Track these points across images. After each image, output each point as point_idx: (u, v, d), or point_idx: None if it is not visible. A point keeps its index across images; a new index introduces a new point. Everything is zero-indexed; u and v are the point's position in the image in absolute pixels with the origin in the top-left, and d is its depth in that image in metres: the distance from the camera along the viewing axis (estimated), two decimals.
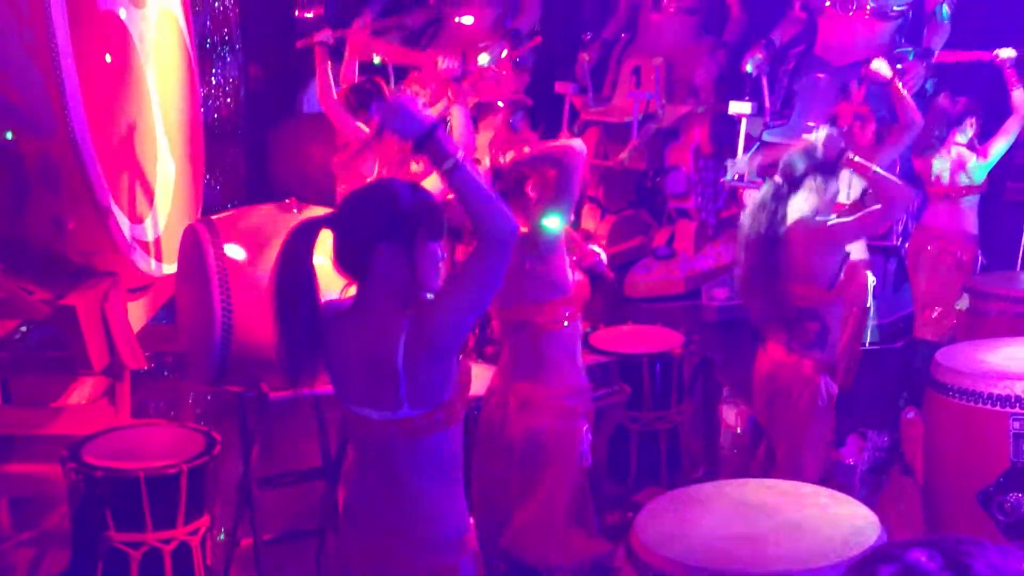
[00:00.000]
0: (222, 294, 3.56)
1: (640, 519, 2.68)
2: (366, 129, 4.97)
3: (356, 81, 5.23)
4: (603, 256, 3.63)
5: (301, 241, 2.34)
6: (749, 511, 2.72)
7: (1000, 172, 6.79)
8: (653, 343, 4.61)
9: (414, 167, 4.47)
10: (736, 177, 6.66)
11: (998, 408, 3.38)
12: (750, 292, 3.78)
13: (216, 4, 7.91)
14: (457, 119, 4.60)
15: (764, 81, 6.84)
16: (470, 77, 7.87)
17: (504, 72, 8.10)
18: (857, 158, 3.73)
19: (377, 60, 7.99)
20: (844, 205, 5.13)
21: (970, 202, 5.71)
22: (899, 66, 6.52)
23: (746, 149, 6.80)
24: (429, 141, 2.21)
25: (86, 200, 4.37)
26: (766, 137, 6.78)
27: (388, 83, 8.04)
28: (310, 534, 3.98)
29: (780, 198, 3.69)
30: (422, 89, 5.54)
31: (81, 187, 4.33)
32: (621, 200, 8.25)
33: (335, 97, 5.09)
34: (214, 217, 3.99)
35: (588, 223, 8.23)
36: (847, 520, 2.64)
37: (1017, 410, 3.37)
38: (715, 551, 2.51)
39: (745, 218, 3.81)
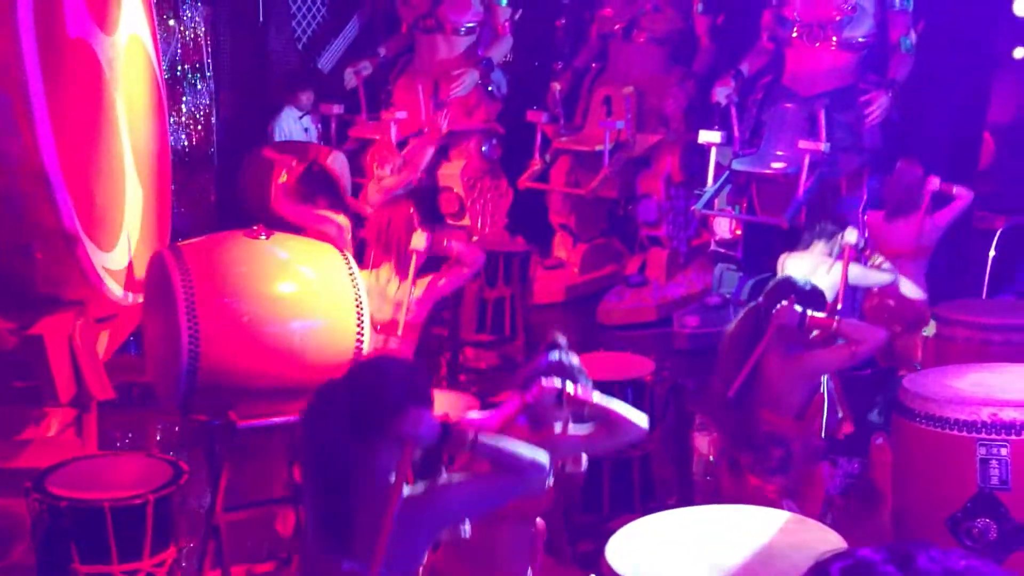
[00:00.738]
0: (189, 321, 3.54)
1: (611, 545, 2.67)
2: (329, 214, 5.03)
3: (299, 171, 5.26)
4: (584, 463, 3.60)
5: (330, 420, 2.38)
6: (719, 537, 2.73)
7: None
8: (624, 370, 4.61)
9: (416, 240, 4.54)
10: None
11: (964, 433, 3.41)
12: (725, 411, 3.80)
13: (187, 32, 7.91)
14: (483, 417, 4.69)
15: (733, 111, 6.92)
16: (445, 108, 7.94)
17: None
18: (819, 314, 3.75)
19: (350, 85, 8.03)
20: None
21: (920, 265, 5.74)
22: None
23: (716, 177, 6.88)
24: (448, 438, 2.40)
25: (55, 229, 4.33)
26: (735, 166, 6.86)
27: (360, 111, 8.09)
28: (281, 562, 3.94)
29: (760, 319, 3.75)
30: (381, 168, 5.43)
31: (50, 216, 4.30)
32: (593, 228, 8.30)
33: (284, 198, 5.11)
34: (181, 244, 3.96)
35: (560, 252, 8.28)
36: (816, 546, 2.65)
37: (983, 435, 3.40)
38: None
39: (726, 337, 3.86)
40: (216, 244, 3.95)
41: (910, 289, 5.62)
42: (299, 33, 8.84)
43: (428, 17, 8.09)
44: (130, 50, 5.51)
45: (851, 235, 5.16)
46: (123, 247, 5.14)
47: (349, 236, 5.06)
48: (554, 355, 3.21)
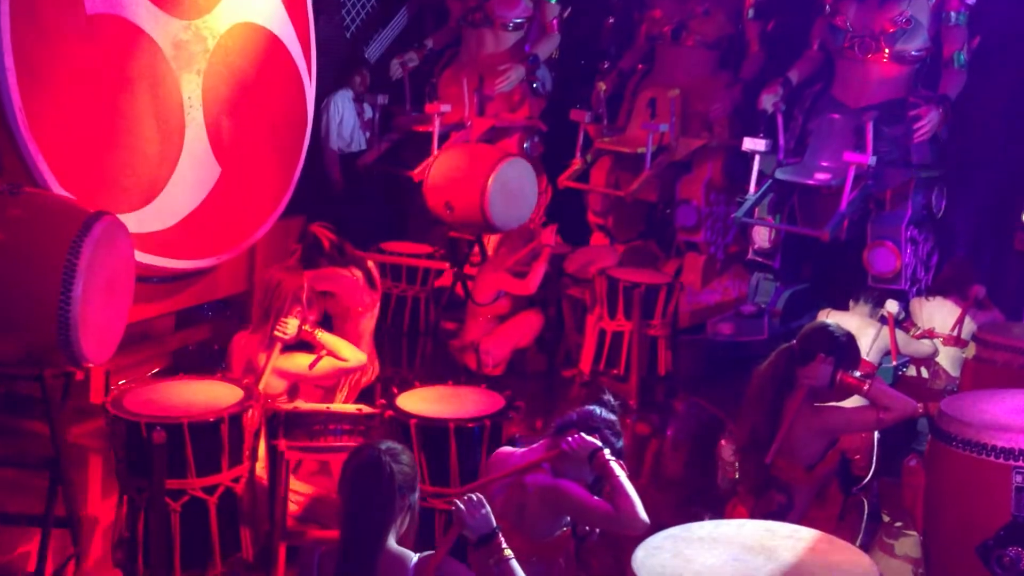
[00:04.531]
0: None
1: (638, 556, 2.67)
2: (338, 271, 5.05)
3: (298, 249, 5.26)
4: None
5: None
6: (747, 553, 2.71)
7: (1009, 222, 6.81)
8: (456, 408, 4.19)
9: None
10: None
11: (1001, 460, 3.35)
12: (748, 453, 3.78)
13: None
14: None
15: (779, 119, 6.85)
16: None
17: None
18: (855, 373, 3.74)
19: (396, 76, 8.05)
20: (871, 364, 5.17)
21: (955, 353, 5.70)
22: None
23: (758, 185, 6.83)
24: (491, 540, 2.68)
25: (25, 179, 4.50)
26: (778, 175, 6.80)
27: (404, 102, 8.11)
28: (34, 520, 4.06)
29: (791, 364, 3.73)
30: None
31: (19, 167, 4.51)
32: (630, 230, 8.27)
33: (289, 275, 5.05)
34: None
35: None
36: (845, 567, 2.63)
37: (1020, 463, 3.34)
38: None
39: (756, 376, 3.83)
40: None
41: (948, 363, 5.59)
42: (348, 22, 8.88)
43: (477, 11, 8.09)
44: (235, 37, 5.63)
45: (892, 305, 5.39)
46: (152, 214, 5.27)
47: (366, 283, 5.03)
48: (596, 410, 3.24)
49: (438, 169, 6.99)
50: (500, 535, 2.69)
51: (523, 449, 3.39)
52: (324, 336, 4.51)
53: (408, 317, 7.35)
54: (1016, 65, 6.84)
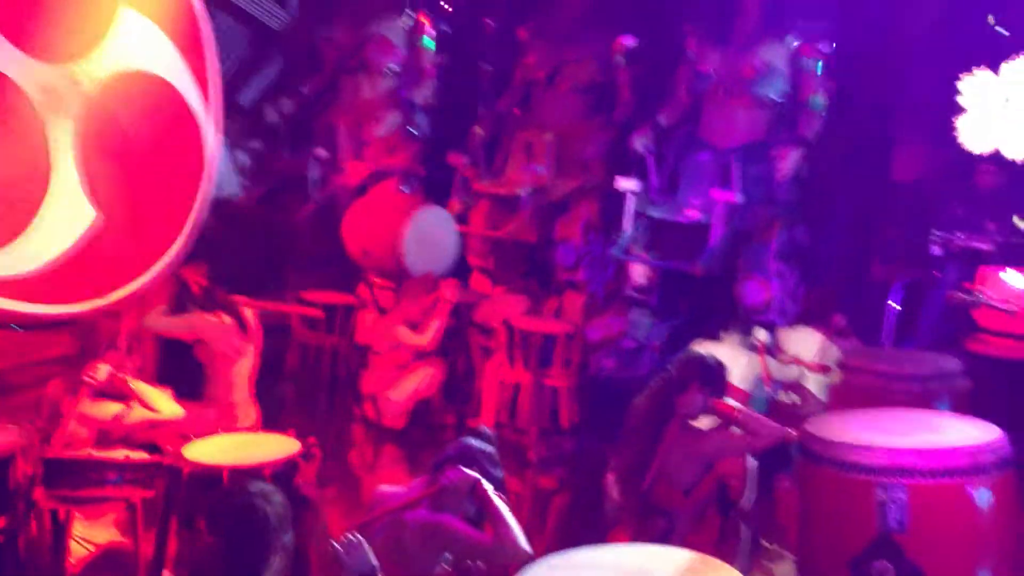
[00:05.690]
0: None
1: None
2: (206, 318, 4.99)
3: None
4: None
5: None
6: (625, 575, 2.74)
7: (867, 254, 7.18)
8: (244, 455, 4.01)
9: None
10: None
11: (864, 477, 3.51)
12: (629, 480, 3.89)
13: None
14: None
15: (650, 159, 7.09)
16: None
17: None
18: (726, 400, 3.92)
19: (271, 120, 7.99)
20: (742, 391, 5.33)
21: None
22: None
23: (632, 224, 7.02)
24: None
25: None
26: (651, 213, 7.01)
27: (281, 147, 8.04)
28: None
29: (670, 394, 3.88)
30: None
31: None
32: (511, 271, 8.35)
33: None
34: None
35: None
36: None
37: (882, 479, 3.50)
38: None
39: (635, 408, 3.95)
40: None
41: (816, 389, 5.82)
42: (222, 67, 8.75)
43: (353, 57, 8.12)
44: (119, 83, 5.48)
45: (760, 333, 5.67)
46: (10, 258, 4.93)
47: (237, 328, 4.94)
48: (473, 442, 3.25)
49: (355, 215, 6.93)
50: (380, 574, 2.66)
51: (398, 488, 3.37)
52: (138, 385, 4.35)
53: (328, 367, 7.21)
54: (872, 105, 7.25)
